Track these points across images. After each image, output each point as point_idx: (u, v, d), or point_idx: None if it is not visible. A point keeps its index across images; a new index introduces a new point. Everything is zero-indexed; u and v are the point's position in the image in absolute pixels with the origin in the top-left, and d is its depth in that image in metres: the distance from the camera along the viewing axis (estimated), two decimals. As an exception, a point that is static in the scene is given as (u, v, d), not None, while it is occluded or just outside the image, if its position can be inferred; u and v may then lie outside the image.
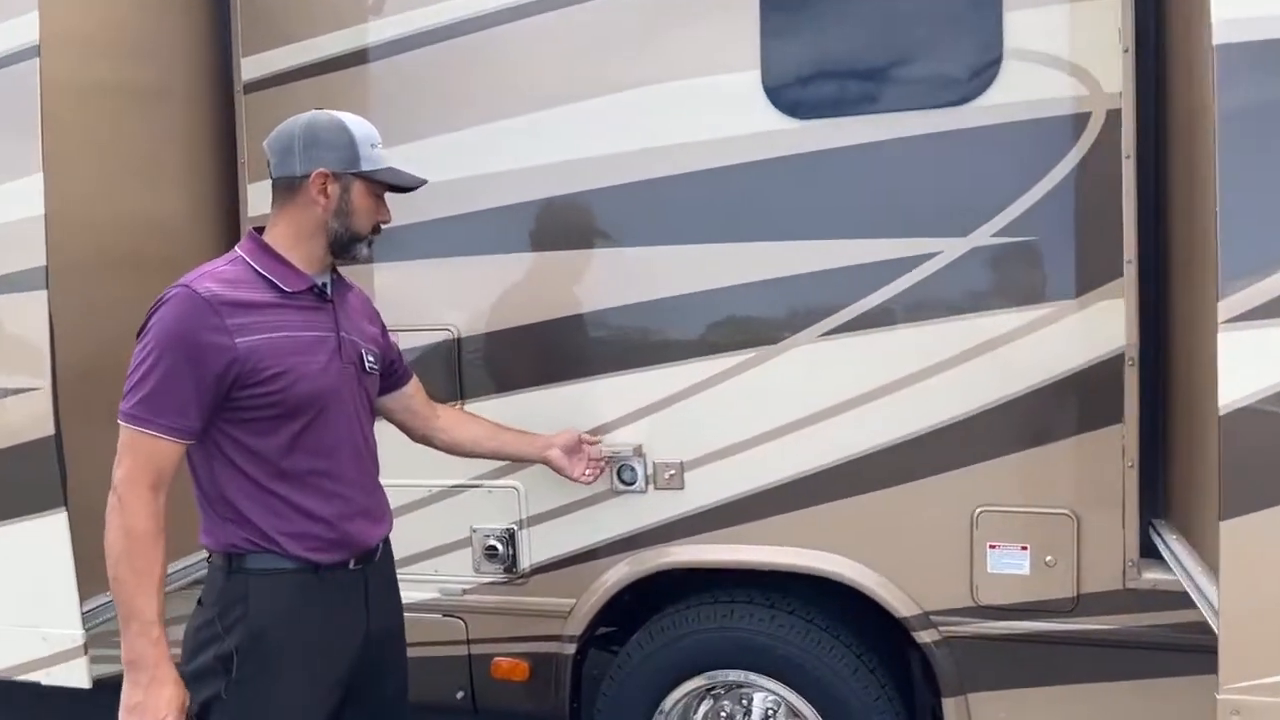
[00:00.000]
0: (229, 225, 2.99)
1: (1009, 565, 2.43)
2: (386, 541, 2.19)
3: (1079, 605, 2.41)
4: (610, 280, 2.69)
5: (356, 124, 2.05)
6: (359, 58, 2.85)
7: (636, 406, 2.68)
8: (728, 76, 2.56)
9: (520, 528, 2.80)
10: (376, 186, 2.08)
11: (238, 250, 2.04)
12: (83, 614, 2.39)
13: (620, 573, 2.73)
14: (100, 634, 2.42)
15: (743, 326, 2.59)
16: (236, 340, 1.88)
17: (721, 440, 2.62)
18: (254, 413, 1.92)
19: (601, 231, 2.70)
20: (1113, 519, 2.36)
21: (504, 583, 2.84)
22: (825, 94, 2.50)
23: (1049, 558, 2.41)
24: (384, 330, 2.33)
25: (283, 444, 1.95)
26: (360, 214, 2.05)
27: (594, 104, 2.66)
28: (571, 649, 2.80)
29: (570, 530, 2.77)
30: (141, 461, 1.86)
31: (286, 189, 2.03)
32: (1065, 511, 2.40)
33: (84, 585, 2.36)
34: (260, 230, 2.07)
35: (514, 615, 2.84)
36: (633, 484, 2.69)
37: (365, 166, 2.03)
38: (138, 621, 1.83)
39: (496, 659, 2.87)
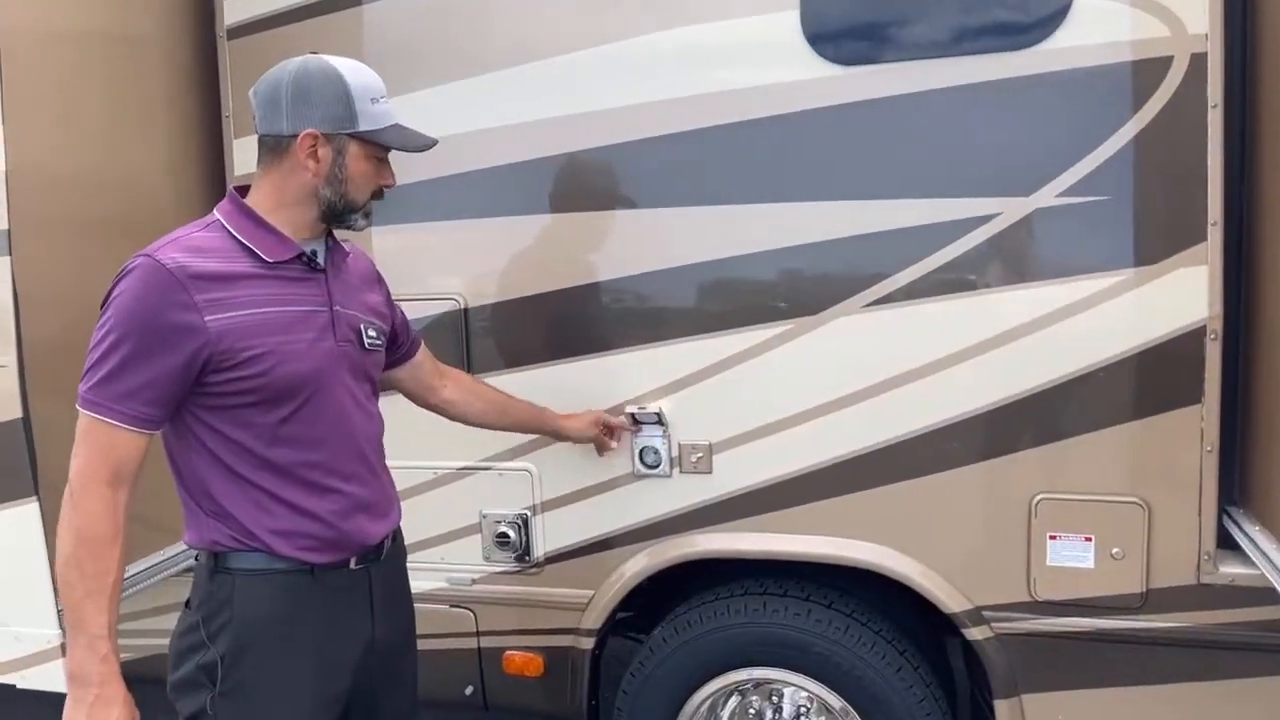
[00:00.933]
0: (214, 184, 2.77)
1: (1071, 558, 2.25)
2: (395, 537, 1.99)
3: (1147, 601, 2.23)
4: (631, 245, 2.48)
5: (355, 74, 1.79)
6: (357, -4, 2.62)
7: (660, 383, 2.49)
8: (762, 19, 2.34)
9: (534, 513, 2.63)
10: (377, 149, 1.83)
11: (215, 213, 1.81)
12: (58, 612, 2.20)
13: (642, 563, 2.56)
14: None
15: (778, 296, 2.39)
16: (207, 319, 1.66)
17: (754, 420, 2.43)
18: (231, 399, 1.71)
19: (622, 191, 2.49)
20: (1187, 508, 2.18)
21: (516, 572, 2.67)
22: (871, 38, 2.27)
23: (1115, 549, 2.22)
24: (388, 298, 2.10)
25: (265, 433, 1.74)
26: (357, 180, 1.81)
27: (616, 49, 2.43)
28: (589, 643, 2.63)
29: (588, 516, 2.59)
30: (99, 453, 1.65)
31: (273, 148, 1.79)
32: (1135, 499, 2.21)
33: (59, 581, 2.18)
34: (244, 191, 1.84)
35: (527, 607, 2.68)
36: (656, 467, 2.50)
37: (363, 126, 1.78)
38: (85, 634, 1.64)
39: (508, 653, 2.71)
